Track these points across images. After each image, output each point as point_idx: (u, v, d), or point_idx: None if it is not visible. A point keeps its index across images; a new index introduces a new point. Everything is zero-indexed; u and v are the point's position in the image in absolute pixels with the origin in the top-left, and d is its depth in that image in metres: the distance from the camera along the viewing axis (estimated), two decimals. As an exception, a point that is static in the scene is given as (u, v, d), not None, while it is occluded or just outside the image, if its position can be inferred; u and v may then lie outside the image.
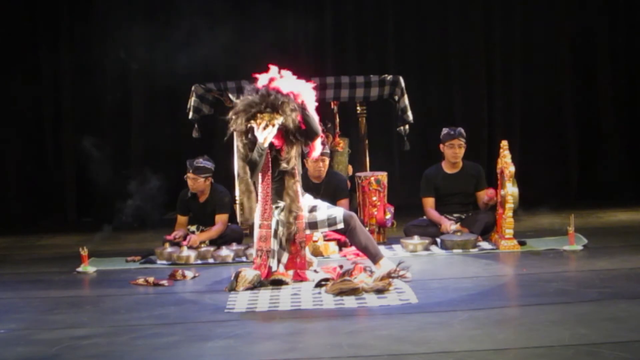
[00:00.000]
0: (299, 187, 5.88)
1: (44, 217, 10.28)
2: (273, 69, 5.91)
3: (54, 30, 10.30)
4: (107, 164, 10.00)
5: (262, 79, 5.89)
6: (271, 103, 5.73)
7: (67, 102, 10.36)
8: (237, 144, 5.94)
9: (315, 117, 5.93)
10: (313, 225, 5.94)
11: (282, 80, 5.87)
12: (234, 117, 5.84)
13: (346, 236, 6.14)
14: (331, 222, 5.92)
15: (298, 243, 5.83)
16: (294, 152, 5.85)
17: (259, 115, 5.74)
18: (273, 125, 5.73)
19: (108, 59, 10.16)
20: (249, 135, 5.82)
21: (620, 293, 5.10)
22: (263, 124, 5.73)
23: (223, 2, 10.35)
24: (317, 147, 6.13)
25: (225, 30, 10.32)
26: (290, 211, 5.78)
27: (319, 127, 5.99)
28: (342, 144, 8.25)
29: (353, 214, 6.07)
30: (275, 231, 5.81)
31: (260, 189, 5.87)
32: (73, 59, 10.25)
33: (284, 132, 5.82)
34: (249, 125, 5.78)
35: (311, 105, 5.90)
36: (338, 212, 5.97)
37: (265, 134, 5.72)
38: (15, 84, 10.19)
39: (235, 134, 5.96)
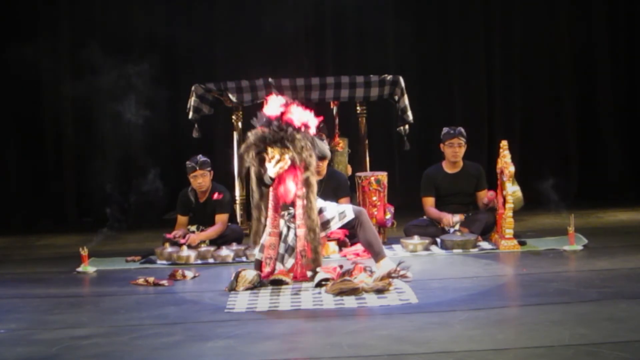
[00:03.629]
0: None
1: (44, 217, 10.29)
2: (278, 99, 5.80)
3: (53, 27, 10.30)
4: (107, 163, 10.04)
5: (272, 108, 5.76)
6: (282, 138, 5.62)
7: (67, 101, 10.36)
8: (252, 175, 5.82)
9: (321, 143, 5.93)
10: (325, 224, 5.90)
11: (293, 110, 5.75)
12: (245, 150, 5.76)
13: (354, 230, 6.08)
14: (342, 215, 5.89)
15: (299, 252, 5.80)
16: (311, 188, 5.65)
17: (269, 148, 5.66)
18: (284, 162, 5.64)
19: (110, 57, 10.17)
20: (260, 168, 5.73)
21: (620, 293, 5.09)
22: (275, 159, 5.63)
23: (223, 1, 10.38)
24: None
25: (225, 29, 10.35)
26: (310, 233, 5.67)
27: (327, 150, 5.99)
28: (342, 144, 8.25)
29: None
30: (285, 236, 5.82)
31: (270, 197, 5.81)
32: (73, 56, 10.25)
33: (299, 169, 5.70)
34: (259, 158, 5.70)
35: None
36: (347, 206, 5.99)
37: (277, 169, 5.65)
38: (15, 83, 10.20)
39: (250, 166, 5.86)
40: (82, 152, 10.38)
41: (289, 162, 5.65)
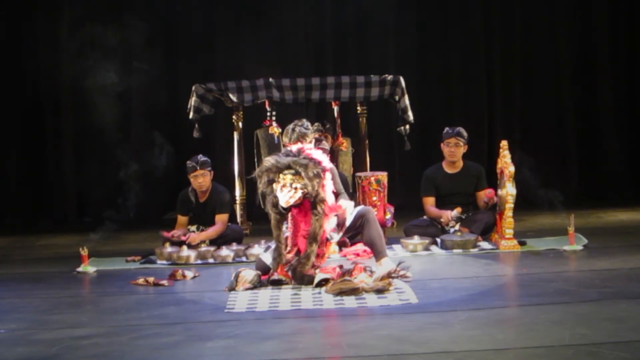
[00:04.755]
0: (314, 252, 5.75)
1: (44, 217, 10.28)
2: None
3: (53, 26, 10.28)
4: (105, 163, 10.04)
5: (295, 146, 5.89)
6: (294, 164, 5.66)
7: (67, 101, 10.36)
8: (268, 208, 5.84)
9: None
10: (341, 224, 5.92)
11: (315, 151, 5.85)
12: (259, 175, 5.80)
13: (359, 229, 6.08)
14: (351, 212, 5.93)
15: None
16: (319, 224, 5.69)
17: (281, 175, 5.69)
18: (295, 190, 5.65)
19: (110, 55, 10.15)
20: (273, 194, 5.75)
21: (620, 293, 5.10)
22: (287, 186, 5.64)
23: (224, 1, 10.38)
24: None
25: (225, 29, 10.34)
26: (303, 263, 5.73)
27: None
28: (346, 144, 8.25)
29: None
30: (299, 250, 5.83)
31: (289, 218, 5.81)
32: (72, 55, 10.23)
33: (309, 203, 5.72)
34: (272, 185, 5.74)
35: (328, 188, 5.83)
36: (354, 208, 6.02)
37: (287, 197, 5.66)
38: (15, 83, 10.19)
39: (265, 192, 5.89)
40: (82, 151, 10.36)
41: (300, 193, 5.66)
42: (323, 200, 5.72)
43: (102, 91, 9.73)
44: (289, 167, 5.68)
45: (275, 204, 5.74)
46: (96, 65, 9.79)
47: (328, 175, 5.84)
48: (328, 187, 5.82)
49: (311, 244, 5.70)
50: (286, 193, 5.66)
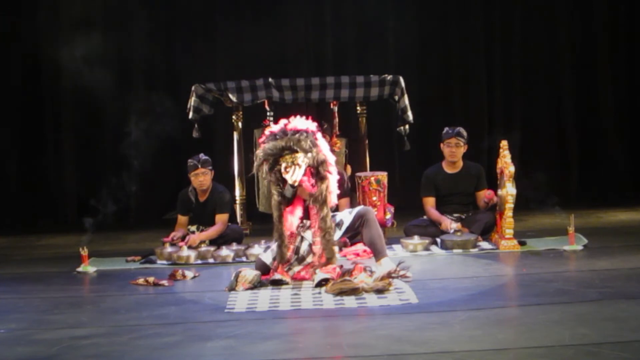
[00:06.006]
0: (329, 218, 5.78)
1: (44, 217, 10.28)
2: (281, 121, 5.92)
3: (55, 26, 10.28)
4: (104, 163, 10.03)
5: (275, 126, 5.91)
6: (288, 143, 5.69)
7: (67, 101, 10.35)
8: (272, 192, 5.87)
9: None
10: (339, 224, 5.94)
11: (295, 121, 5.85)
12: (257, 168, 5.85)
13: (359, 229, 6.09)
14: (350, 213, 5.95)
15: (314, 262, 5.83)
16: (325, 185, 5.75)
17: (280, 159, 5.72)
18: (299, 166, 5.69)
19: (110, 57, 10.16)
20: (278, 177, 5.79)
21: (620, 293, 5.09)
22: (290, 166, 5.68)
23: (223, 1, 10.38)
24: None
25: (225, 29, 10.34)
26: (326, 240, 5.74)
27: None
28: (339, 144, 8.25)
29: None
30: (298, 248, 5.84)
31: (286, 214, 5.85)
32: (73, 56, 10.22)
33: (311, 169, 5.76)
34: (274, 170, 5.77)
35: (324, 146, 5.87)
36: (354, 208, 6.04)
37: (295, 177, 5.70)
38: (15, 82, 10.18)
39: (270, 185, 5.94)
40: (83, 150, 10.36)
41: (303, 167, 5.70)
42: (324, 161, 5.75)
43: (102, 88, 9.78)
44: (284, 148, 5.71)
45: (278, 182, 5.77)
46: (95, 63, 9.83)
47: (319, 135, 5.86)
48: (324, 146, 5.84)
49: (322, 208, 5.72)
50: (291, 173, 5.70)
